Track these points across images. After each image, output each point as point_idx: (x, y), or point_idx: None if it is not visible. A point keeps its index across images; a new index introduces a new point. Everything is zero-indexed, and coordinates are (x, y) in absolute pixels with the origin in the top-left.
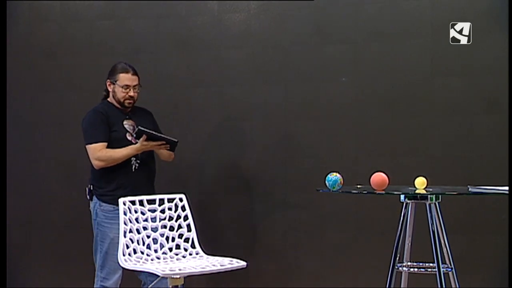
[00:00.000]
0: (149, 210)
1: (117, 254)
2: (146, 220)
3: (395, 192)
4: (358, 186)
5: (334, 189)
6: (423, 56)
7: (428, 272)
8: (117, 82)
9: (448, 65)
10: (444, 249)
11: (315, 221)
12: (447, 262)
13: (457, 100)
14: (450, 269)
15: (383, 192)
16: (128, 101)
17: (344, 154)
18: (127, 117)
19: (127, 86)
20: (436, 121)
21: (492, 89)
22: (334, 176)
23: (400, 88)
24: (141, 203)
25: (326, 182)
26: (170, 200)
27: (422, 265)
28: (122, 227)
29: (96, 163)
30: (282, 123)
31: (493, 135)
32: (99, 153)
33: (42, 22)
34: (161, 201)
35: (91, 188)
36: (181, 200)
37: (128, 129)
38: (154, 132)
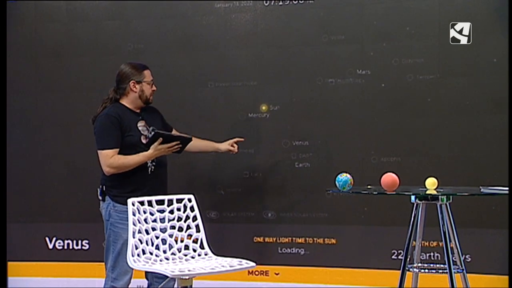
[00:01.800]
0: (158, 211)
1: None
2: (155, 220)
3: (406, 193)
4: (369, 186)
5: (344, 190)
6: (430, 56)
7: (439, 273)
8: (145, 80)
9: (455, 65)
10: (455, 250)
11: (323, 221)
12: (458, 263)
13: (464, 100)
14: (461, 271)
15: (394, 192)
16: (152, 97)
17: (350, 154)
18: (140, 118)
19: (152, 81)
20: (443, 121)
21: (499, 89)
22: (344, 177)
23: (407, 88)
24: (149, 203)
25: (336, 182)
26: (179, 201)
27: (433, 266)
28: (131, 227)
29: (107, 170)
30: (289, 122)
31: (500, 135)
32: (111, 159)
33: (48, 22)
34: (170, 202)
35: (104, 189)
36: (189, 200)
37: (142, 131)
38: (169, 133)
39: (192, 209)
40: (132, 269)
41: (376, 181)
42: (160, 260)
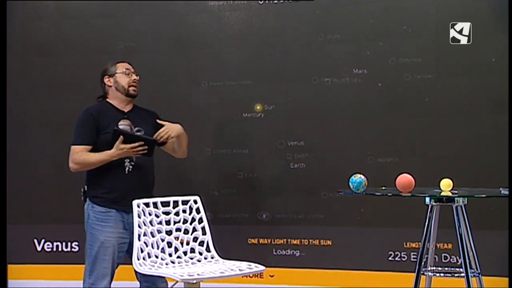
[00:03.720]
0: (163, 213)
1: (106, 259)
2: (160, 223)
3: (421, 195)
4: (383, 187)
5: (358, 191)
6: (428, 55)
7: (455, 277)
8: (117, 71)
9: (453, 64)
10: (470, 253)
11: (319, 222)
12: (473, 266)
13: (462, 99)
14: (477, 275)
15: (409, 194)
16: (132, 87)
17: (347, 154)
18: (125, 117)
19: (128, 70)
20: (441, 121)
21: (497, 88)
22: (358, 178)
23: (404, 88)
24: (155, 205)
25: (350, 183)
26: (185, 202)
27: (448, 269)
28: (136, 230)
29: (71, 166)
30: (284, 122)
31: (499, 135)
32: (75, 155)
33: (37, 20)
34: (175, 203)
35: (85, 189)
36: (195, 202)
37: (123, 130)
38: (132, 133)
39: (198, 211)
40: (112, 272)
41: (373, 181)
42: (166, 264)
